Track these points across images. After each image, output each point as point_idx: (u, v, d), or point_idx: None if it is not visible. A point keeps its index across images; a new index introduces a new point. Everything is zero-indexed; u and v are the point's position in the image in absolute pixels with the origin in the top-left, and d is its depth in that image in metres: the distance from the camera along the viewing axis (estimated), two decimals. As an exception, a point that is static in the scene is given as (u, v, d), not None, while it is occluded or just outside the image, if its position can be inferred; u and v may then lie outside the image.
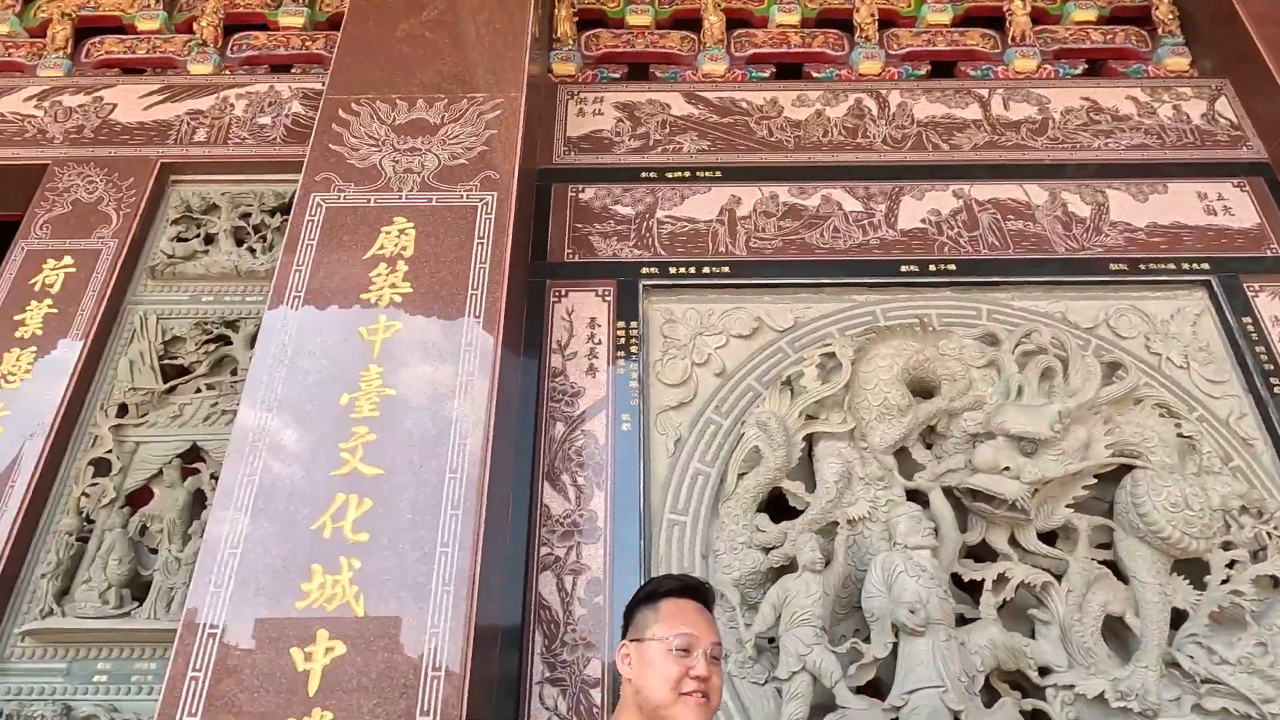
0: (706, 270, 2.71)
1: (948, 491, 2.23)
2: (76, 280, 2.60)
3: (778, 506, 2.31)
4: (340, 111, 2.62)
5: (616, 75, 3.32)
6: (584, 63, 3.34)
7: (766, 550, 2.18)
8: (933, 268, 2.72)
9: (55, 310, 2.54)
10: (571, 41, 3.34)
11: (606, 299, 2.65)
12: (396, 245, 2.34)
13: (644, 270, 2.71)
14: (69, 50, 3.24)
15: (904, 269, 2.72)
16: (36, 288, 2.58)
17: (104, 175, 2.81)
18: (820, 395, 2.34)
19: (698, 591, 1.64)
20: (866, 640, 2.02)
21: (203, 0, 3.31)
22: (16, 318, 2.52)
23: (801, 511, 2.23)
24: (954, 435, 2.31)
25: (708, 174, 2.94)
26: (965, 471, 2.21)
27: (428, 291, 2.27)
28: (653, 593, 1.62)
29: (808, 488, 2.28)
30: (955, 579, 2.18)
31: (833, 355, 2.42)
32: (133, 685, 2.10)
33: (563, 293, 2.66)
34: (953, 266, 2.72)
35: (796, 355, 2.53)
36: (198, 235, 2.78)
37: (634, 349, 2.55)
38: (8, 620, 2.16)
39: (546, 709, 2.06)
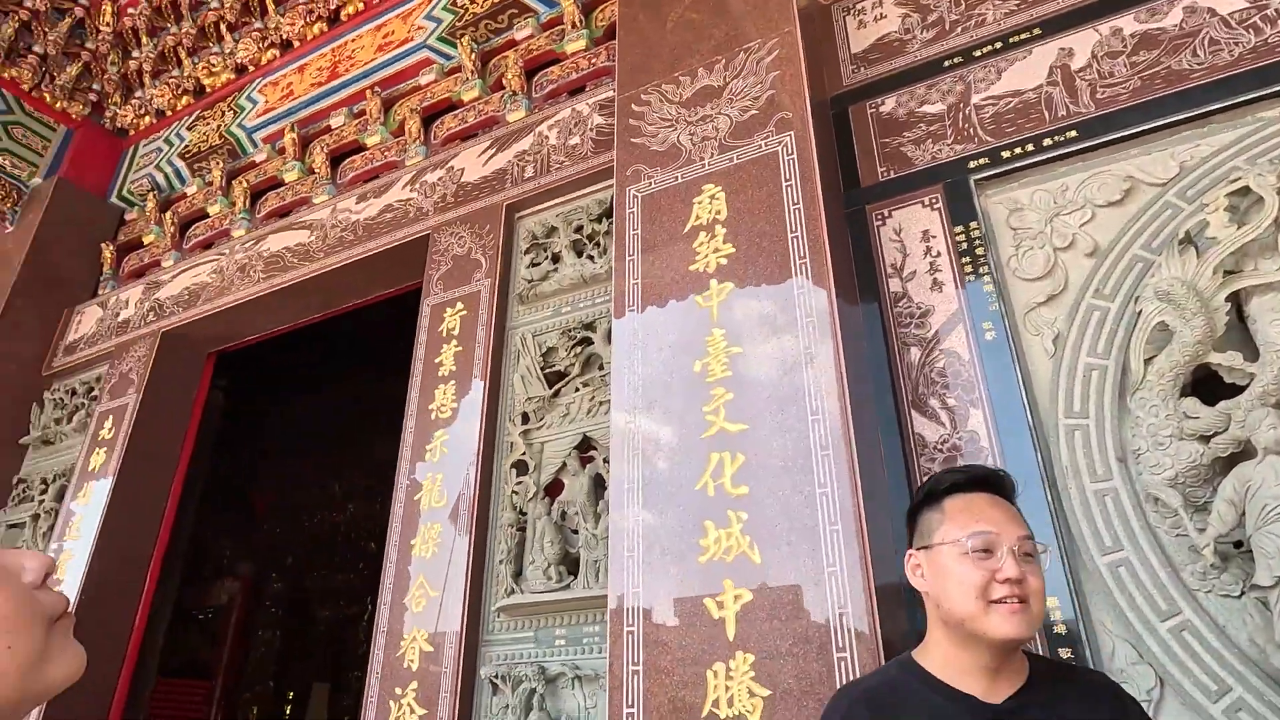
0: (1047, 142, 2.35)
1: None
2: (468, 320, 3.09)
3: (1208, 386, 1.91)
4: (633, 106, 2.77)
5: (890, -28, 3.04)
6: (852, -26, 3.12)
7: (1205, 439, 1.81)
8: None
9: (460, 348, 3.05)
10: (834, -43, 3.14)
11: (935, 208, 2.44)
12: (710, 212, 2.41)
13: (971, 165, 2.43)
14: (422, 138, 3.88)
15: (1329, 58, 2.09)
16: (443, 334, 3.12)
17: (468, 229, 3.32)
18: (1240, 242, 1.88)
19: (989, 481, 1.36)
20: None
21: (504, 58, 3.74)
22: (435, 360, 3.08)
23: (1244, 387, 1.82)
24: None
25: (1023, 36, 2.55)
26: None
27: (750, 246, 2.29)
28: (932, 491, 1.37)
29: (1246, 356, 1.84)
30: None
31: (1246, 191, 1.94)
32: (584, 646, 2.42)
33: (885, 214, 2.50)
34: None
35: (1192, 206, 2.07)
36: (546, 257, 3.14)
37: (979, 252, 2.30)
38: (485, 601, 2.63)
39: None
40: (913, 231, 2.43)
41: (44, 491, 4.22)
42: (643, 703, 1.91)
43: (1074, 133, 2.32)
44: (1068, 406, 2.04)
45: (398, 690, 2.57)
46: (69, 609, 0.70)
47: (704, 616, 1.89)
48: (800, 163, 2.31)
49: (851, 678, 1.67)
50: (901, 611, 1.86)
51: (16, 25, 4.93)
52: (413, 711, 2.51)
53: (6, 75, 4.97)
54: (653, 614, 2.00)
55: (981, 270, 2.27)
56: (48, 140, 5.12)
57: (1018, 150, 2.38)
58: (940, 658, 1.30)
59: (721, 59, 2.67)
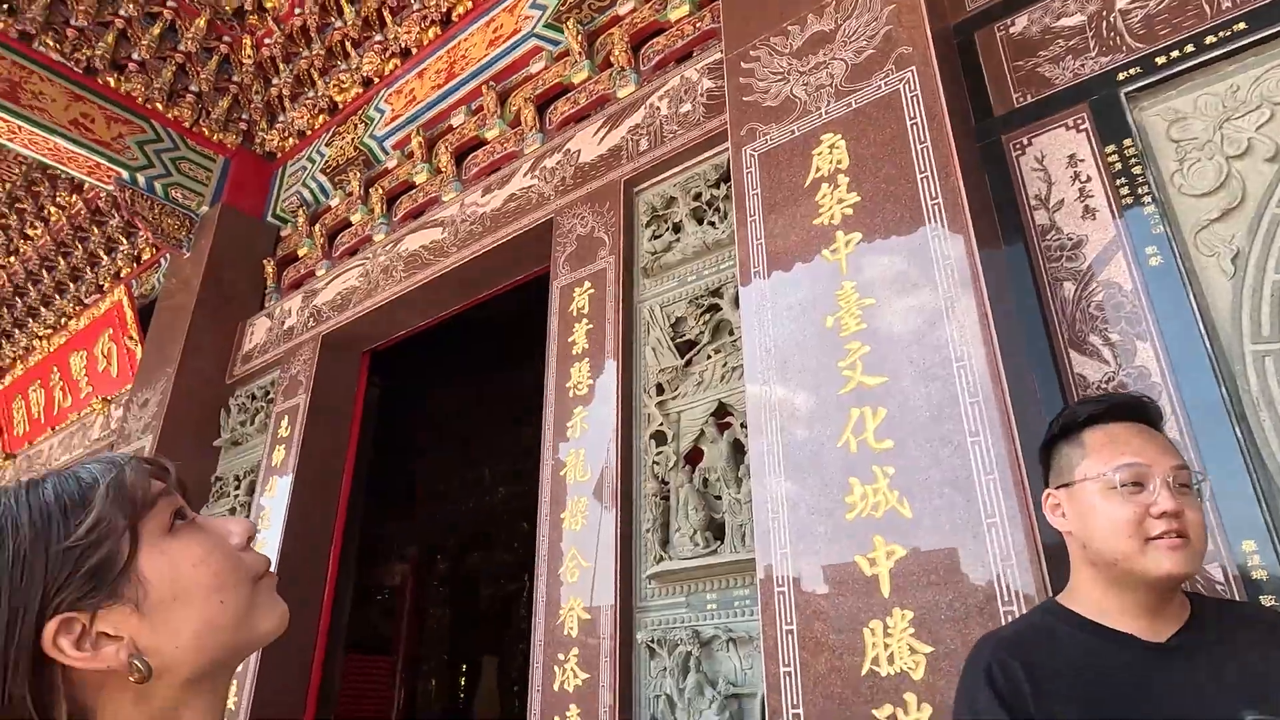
0: (1210, 40, 2.10)
1: None
2: (596, 298, 3.15)
3: None
4: (741, 64, 2.71)
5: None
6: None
7: None
8: None
9: (591, 326, 3.12)
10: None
11: (1081, 129, 2.24)
12: (831, 162, 2.32)
13: (1121, 77, 2.22)
14: (538, 125, 3.97)
15: None
16: (574, 313, 3.20)
17: (589, 209, 3.37)
18: None
19: (1132, 409, 1.23)
20: None
21: (609, 35, 3.75)
22: (569, 340, 3.16)
23: None
24: None
25: (1173, -75, 2.29)
26: None
27: (876, 193, 2.20)
28: (1069, 424, 1.26)
29: None
30: None
31: None
32: (735, 609, 2.43)
33: (1024, 143, 2.33)
34: None
35: (1399, 88, 1.80)
36: (667, 228, 3.14)
37: (1136, 171, 2.10)
38: (635, 570, 2.70)
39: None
40: (1057, 157, 2.25)
41: (237, 487, 4.70)
42: (799, 663, 1.90)
43: (1242, 24, 2.06)
44: (1255, 331, 1.83)
45: (560, 656, 2.68)
46: (271, 568, 0.77)
47: (856, 575, 1.85)
48: (925, 98, 2.19)
49: (1020, 632, 1.59)
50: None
51: (174, 69, 5.42)
52: (575, 675, 2.62)
53: (171, 115, 5.50)
54: (802, 576, 1.98)
55: (1140, 191, 2.07)
56: (210, 170, 5.63)
57: (1175, 54, 2.15)
58: (1091, 600, 1.21)
59: (831, 1, 2.56)
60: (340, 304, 4.58)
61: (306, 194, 5.41)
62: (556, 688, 2.66)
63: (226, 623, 0.70)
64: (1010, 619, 1.62)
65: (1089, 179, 2.17)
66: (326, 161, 5.31)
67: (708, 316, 2.88)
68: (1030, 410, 1.91)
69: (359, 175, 4.93)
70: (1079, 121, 2.24)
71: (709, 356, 2.82)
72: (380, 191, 4.74)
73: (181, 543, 0.70)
